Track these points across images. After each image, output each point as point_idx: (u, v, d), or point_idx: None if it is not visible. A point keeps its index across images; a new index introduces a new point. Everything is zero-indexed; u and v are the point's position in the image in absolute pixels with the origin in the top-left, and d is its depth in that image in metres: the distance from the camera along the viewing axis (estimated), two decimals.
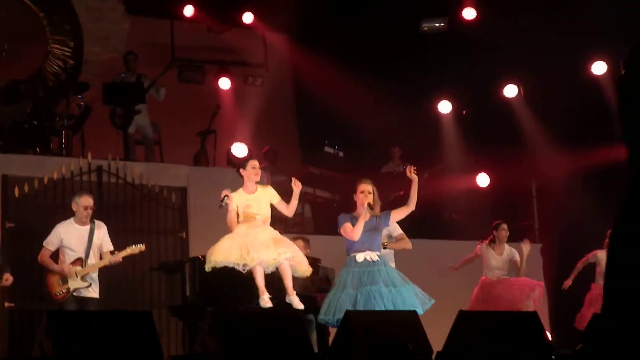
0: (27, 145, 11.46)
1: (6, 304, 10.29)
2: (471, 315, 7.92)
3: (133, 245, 8.83)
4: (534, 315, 7.64)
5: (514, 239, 10.93)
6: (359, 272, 8.08)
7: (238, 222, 8.44)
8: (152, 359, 6.34)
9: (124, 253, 8.77)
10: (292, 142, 15.33)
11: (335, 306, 7.98)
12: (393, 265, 8.76)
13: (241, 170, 8.63)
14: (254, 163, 8.65)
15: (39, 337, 6.30)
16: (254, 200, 8.50)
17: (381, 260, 8.22)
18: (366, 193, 8.24)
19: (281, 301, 8.39)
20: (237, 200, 8.45)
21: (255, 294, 8.36)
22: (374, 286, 7.98)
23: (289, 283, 8.27)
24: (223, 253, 8.23)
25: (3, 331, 10.39)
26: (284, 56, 14.75)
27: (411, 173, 8.35)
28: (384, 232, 8.72)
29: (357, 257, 8.14)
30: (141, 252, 8.98)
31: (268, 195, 8.59)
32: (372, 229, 8.22)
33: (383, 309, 7.86)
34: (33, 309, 10.17)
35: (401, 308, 7.88)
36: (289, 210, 8.61)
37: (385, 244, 8.77)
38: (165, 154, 12.85)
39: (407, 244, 9.11)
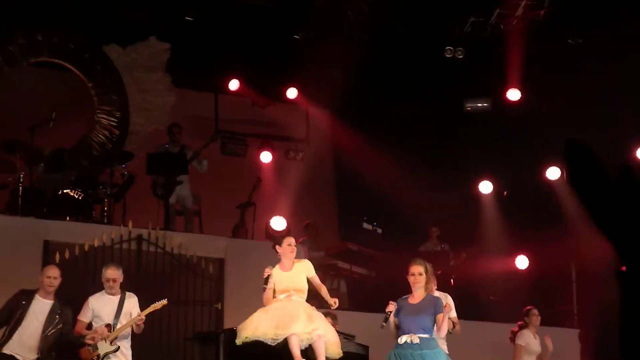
0: (70, 213, 11.57)
1: None
2: None
3: (156, 302, 8.77)
4: None
5: (552, 323, 10.78)
6: (404, 354, 7.80)
7: (274, 297, 8.44)
8: None
9: (146, 311, 8.73)
10: (331, 217, 15.33)
11: None
12: (445, 347, 8.60)
13: (277, 247, 8.62)
14: (290, 240, 8.63)
15: None
16: (289, 278, 8.49)
17: (425, 342, 7.84)
18: (416, 275, 7.95)
19: None
20: (274, 277, 8.45)
21: None
22: None
23: None
24: (252, 327, 8.23)
25: None
26: (325, 131, 14.88)
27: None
28: None
29: (399, 340, 7.88)
30: (170, 315, 8.80)
31: (305, 269, 8.57)
32: (416, 312, 7.89)
33: None
34: None
35: None
36: (321, 291, 8.58)
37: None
38: (205, 225, 12.93)
39: (457, 326, 9.14)
